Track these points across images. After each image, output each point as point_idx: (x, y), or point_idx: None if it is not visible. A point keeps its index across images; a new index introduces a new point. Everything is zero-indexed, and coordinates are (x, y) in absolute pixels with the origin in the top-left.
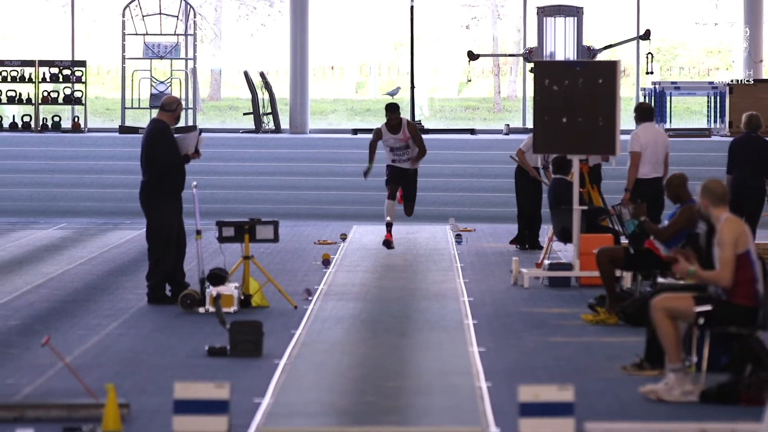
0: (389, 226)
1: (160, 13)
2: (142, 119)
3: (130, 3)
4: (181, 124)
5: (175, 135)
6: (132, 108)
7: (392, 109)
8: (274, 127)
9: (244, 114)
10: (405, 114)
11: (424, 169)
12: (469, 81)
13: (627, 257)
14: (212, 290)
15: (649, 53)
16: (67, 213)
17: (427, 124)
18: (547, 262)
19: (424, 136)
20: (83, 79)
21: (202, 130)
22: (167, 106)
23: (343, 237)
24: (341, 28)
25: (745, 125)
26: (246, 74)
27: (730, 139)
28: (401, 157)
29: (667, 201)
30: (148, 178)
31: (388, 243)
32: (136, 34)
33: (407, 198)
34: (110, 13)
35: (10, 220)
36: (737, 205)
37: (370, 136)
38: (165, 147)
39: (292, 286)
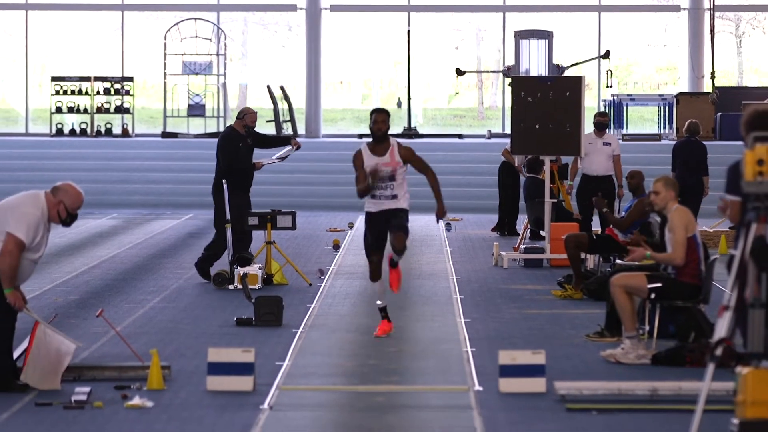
0: (383, 311)
1: (197, 37)
2: (181, 126)
3: (171, 27)
4: (213, 129)
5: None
6: (172, 116)
7: (379, 111)
8: (292, 133)
9: (267, 122)
10: (402, 122)
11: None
12: (457, 93)
13: (590, 242)
14: (240, 270)
15: (609, 70)
16: (117, 205)
17: (421, 130)
18: (522, 246)
19: (418, 141)
20: (131, 92)
21: (294, 147)
22: (238, 114)
23: (351, 225)
24: (348, 48)
25: (686, 131)
26: (268, 87)
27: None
28: (385, 192)
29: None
30: (215, 175)
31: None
32: (176, 54)
33: (396, 228)
34: (154, 36)
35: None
36: (680, 198)
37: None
38: (227, 151)
39: (307, 267)
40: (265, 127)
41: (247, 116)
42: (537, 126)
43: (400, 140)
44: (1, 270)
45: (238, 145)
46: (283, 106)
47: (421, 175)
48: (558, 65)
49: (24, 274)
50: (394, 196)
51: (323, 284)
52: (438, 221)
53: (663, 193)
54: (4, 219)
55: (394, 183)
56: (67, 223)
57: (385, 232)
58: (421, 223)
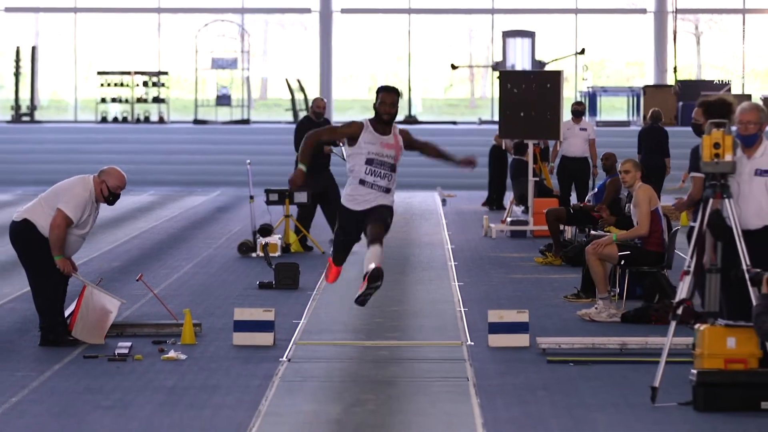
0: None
1: (224, 36)
2: (210, 114)
3: (202, 28)
4: (238, 116)
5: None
6: (202, 106)
7: (388, 90)
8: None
9: (285, 110)
10: (404, 110)
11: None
12: (451, 85)
13: (568, 216)
14: (262, 240)
15: (585, 65)
16: (154, 183)
17: (420, 118)
18: (509, 219)
19: (417, 127)
20: (166, 85)
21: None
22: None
23: None
24: (356, 46)
25: (650, 118)
26: (286, 80)
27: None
28: (378, 181)
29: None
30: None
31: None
32: (206, 51)
33: (377, 219)
34: (187, 35)
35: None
36: (644, 178)
37: None
38: (296, 137)
39: (320, 237)
40: (284, 115)
41: (313, 104)
42: (521, 114)
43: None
44: (51, 240)
45: (307, 131)
46: (299, 96)
47: (421, 161)
48: (540, 61)
49: (72, 248)
50: (387, 191)
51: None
52: (472, 167)
53: (632, 172)
54: (56, 198)
55: (393, 175)
56: (110, 202)
57: (360, 232)
58: (419, 199)
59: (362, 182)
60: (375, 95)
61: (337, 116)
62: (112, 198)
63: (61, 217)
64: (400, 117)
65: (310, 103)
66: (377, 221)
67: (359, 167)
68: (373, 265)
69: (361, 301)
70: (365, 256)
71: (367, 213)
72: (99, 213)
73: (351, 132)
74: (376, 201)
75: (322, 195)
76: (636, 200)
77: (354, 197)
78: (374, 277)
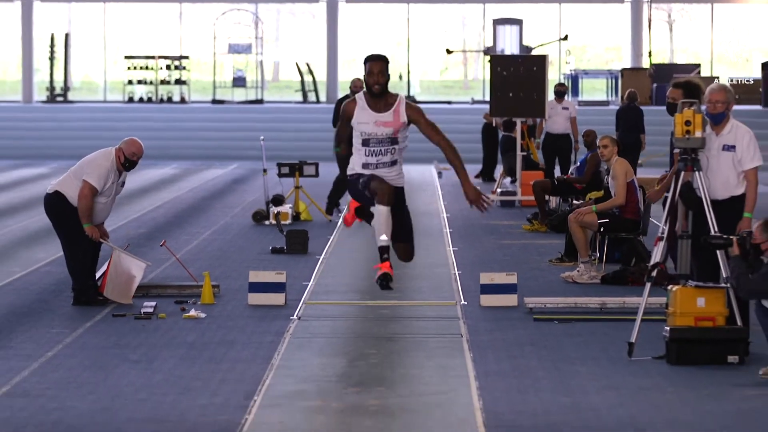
0: (384, 250)
1: (239, 23)
2: (227, 94)
3: (220, 16)
4: (252, 97)
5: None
6: (220, 87)
7: (374, 60)
8: (315, 99)
9: (295, 91)
10: (403, 91)
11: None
12: (447, 68)
13: (553, 187)
14: (274, 209)
15: (568, 50)
16: (176, 158)
17: (418, 98)
18: (499, 190)
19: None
20: (187, 68)
21: None
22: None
23: None
24: (360, 32)
25: (626, 98)
26: (297, 64)
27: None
28: (381, 159)
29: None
30: None
31: (385, 279)
32: (223, 37)
33: (402, 234)
34: (206, 23)
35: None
36: (621, 152)
37: None
38: (335, 113)
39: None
40: (294, 96)
41: (351, 84)
42: (510, 94)
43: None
44: (79, 209)
45: (338, 110)
46: (308, 78)
47: (420, 137)
48: (527, 46)
49: (100, 215)
50: (394, 163)
51: (340, 220)
52: (471, 206)
53: (610, 147)
54: (82, 170)
55: (396, 147)
56: (126, 168)
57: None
58: (417, 172)
59: (365, 165)
60: (363, 65)
61: (342, 94)
62: (128, 164)
63: (87, 188)
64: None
65: (318, 85)
66: (406, 241)
67: (359, 148)
68: (384, 238)
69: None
70: (373, 221)
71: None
72: (125, 184)
73: (348, 115)
74: (385, 174)
75: None
76: (614, 173)
77: (362, 168)
78: (384, 283)
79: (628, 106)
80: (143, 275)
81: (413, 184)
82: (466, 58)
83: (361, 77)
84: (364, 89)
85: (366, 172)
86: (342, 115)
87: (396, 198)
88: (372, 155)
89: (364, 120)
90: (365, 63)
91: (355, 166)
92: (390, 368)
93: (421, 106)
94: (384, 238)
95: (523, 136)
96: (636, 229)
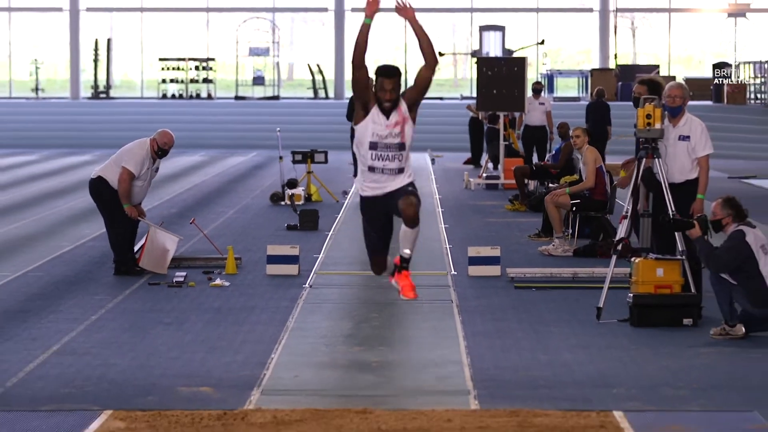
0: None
1: (258, 30)
2: (248, 92)
3: (242, 23)
4: (270, 93)
5: None
6: (242, 85)
7: (387, 75)
8: (325, 96)
9: (307, 89)
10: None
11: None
12: (439, 69)
13: (531, 172)
14: (289, 191)
15: (544, 53)
16: (204, 146)
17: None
18: (484, 174)
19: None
20: (213, 68)
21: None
22: None
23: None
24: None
25: (595, 94)
26: (308, 65)
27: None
28: (390, 164)
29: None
30: None
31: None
32: (245, 42)
33: (404, 193)
34: (230, 29)
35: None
36: (591, 141)
37: None
38: (350, 109)
39: (335, 189)
40: (306, 93)
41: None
42: (494, 91)
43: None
44: (119, 192)
45: (352, 104)
46: (318, 78)
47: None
48: (508, 49)
49: (137, 196)
50: (401, 171)
51: (346, 201)
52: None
53: (581, 137)
54: (121, 158)
55: (404, 153)
56: (159, 155)
57: (390, 217)
58: (412, 159)
59: (372, 169)
60: (374, 77)
61: (348, 92)
62: (161, 153)
63: (126, 173)
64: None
65: (327, 84)
66: (406, 194)
67: (365, 152)
68: (407, 251)
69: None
70: (400, 236)
71: (388, 196)
72: (159, 170)
73: (368, 99)
74: (392, 185)
75: None
76: (584, 159)
77: (368, 186)
78: (411, 222)
79: (596, 102)
80: (176, 248)
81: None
82: (455, 60)
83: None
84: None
85: (372, 192)
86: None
87: (406, 189)
88: (379, 159)
89: (378, 121)
90: (377, 77)
91: (361, 183)
92: (389, 330)
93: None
94: (407, 252)
95: (506, 127)
96: (603, 209)
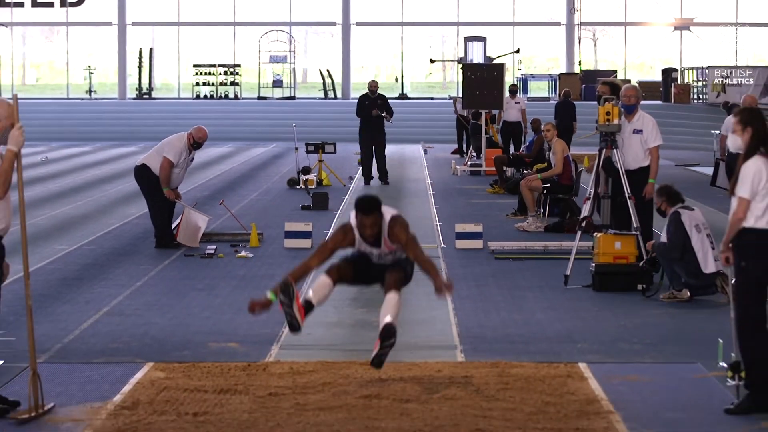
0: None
1: (277, 41)
2: (268, 93)
3: (263, 35)
4: (288, 94)
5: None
6: (263, 87)
7: (366, 212)
8: (333, 96)
9: (318, 90)
10: (398, 90)
11: (407, 115)
12: (430, 73)
13: (509, 161)
14: (303, 177)
15: (519, 60)
16: (230, 139)
17: (410, 95)
18: (468, 162)
19: (407, 102)
20: (239, 73)
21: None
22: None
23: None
24: (366, 46)
25: (563, 95)
26: (320, 70)
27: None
28: (382, 260)
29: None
30: None
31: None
32: (266, 50)
33: (394, 266)
34: (253, 40)
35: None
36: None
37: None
38: (359, 106)
39: (343, 175)
40: (318, 94)
41: (369, 84)
42: (477, 92)
43: (390, 211)
44: (160, 177)
45: (364, 103)
46: (328, 81)
47: (410, 125)
48: (489, 57)
49: (175, 181)
50: (395, 257)
51: (352, 185)
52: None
53: (551, 131)
54: (162, 149)
55: (396, 252)
56: (194, 148)
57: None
58: (408, 150)
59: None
60: (354, 211)
61: (354, 93)
62: (196, 145)
63: (166, 162)
64: (395, 94)
65: (335, 86)
66: (394, 267)
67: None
68: (388, 319)
69: (378, 362)
70: (382, 306)
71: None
72: (194, 159)
73: (346, 244)
74: (384, 261)
75: (375, 143)
76: (553, 150)
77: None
78: (386, 336)
79: (563, 101)
80: (207, 226)
81: (405, 159)
82: (444, 66)
83: (375, 80)
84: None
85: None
86: (331, 242)
87: (400, 262)
88: (371, 255)
89: (364, 248)
90: (357, 213)
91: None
92: None
93: (412, 102)
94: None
95: (487, 123)
96: (570, 192)
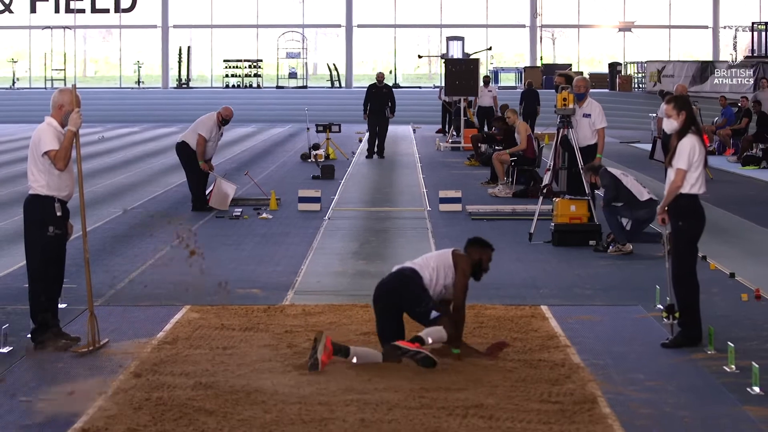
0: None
1: (293, 40)
2: (285, 83)
3: (281, 35)
4: (302, 84)
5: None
6: (281, 78)
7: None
8: (339, 86)
9: (326, 81)
10: (392, 80)
11: (399, 101)
12: (418, 66)
13: (483, 138)
14: (314, 152)
15: (492, 55)
16: (254, 121)
17: (401, 84)
18: (450, 140)
19: (399, 90)
20: (261, 66)
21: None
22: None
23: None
24: (366, 44)
25: (526, 85)
26: (327, 64)
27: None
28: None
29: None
30: None
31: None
32: (283, 48)
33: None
34: (272, 39)
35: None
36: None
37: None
38: (367, 96)
39: (346, 150)
40: (326, 84)
41: (377, 75)
42: (457, 82)
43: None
44: (197, 152)
45: (372, 91)
46: (334, 73)
47: (403, 110)
48: (467, 53)
49: (209, 153)
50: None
51: (354, 158)
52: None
53: (512, 116)
54: (197, 127)
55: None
56: (223, 124)
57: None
58: (400, 130)
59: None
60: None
61: (355, 83)
62: (224, 122)
63: (200, 138)
64: (389, 83)
65: (341, 77)
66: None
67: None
68: (430, 340)
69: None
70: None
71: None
72: (224, 135)
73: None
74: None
75: (380, 126)
76: (518, 129)
77: None
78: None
79: (528, 90)
80: (234, 192)
81: (398, 137)
82: (430, 60)
83: (383, 72)
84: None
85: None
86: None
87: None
88: None
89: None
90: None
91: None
92: (384, 248)
93: (403, 90)
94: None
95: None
96: (533, 164)
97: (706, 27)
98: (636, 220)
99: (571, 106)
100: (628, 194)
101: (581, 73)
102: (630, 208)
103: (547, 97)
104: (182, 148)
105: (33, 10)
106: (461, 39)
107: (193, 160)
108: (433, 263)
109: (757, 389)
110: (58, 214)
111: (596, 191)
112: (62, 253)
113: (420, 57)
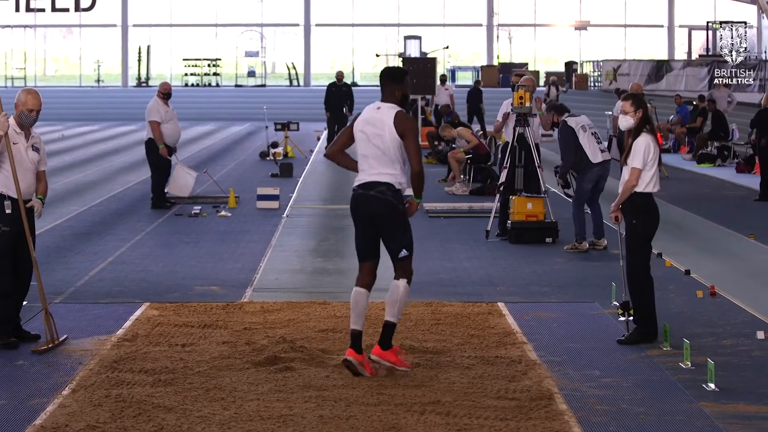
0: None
1: (251, 39)
2: (243, 81)
3: (240, 34)
4: (260, 83)
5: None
6: (240, 77)
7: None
8: (297, 84)
9: (285, 79)
10: (351, 79)
11: (357, 99)
12: (376, 65)
13: (437, 137)
14: (272, 150)
15: (449, 54)
16: (212, 119)
17: (360, 83)
18: None
19: (357, 89)
20: (219, 65)
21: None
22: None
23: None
24: (324, 44)
25: (474, 84)
26: (286, 63)
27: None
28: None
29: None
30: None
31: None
32: (242, 46)
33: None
34: (231, 38)
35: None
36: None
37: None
38: (328, 95)
39: (304, 148)
40: (284, 82)
41: (336, 74)
42: (415, 81)
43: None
44: (155, 137)
45: (331, 89)
46: (293, 72)
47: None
48: (424, 52)
49: (172, 136)
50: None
51: (312, 156)
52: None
53: (447, 132)
54: (147, 116)
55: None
56: (167, 98)
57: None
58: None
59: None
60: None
61: (313, 81)
62: (166, 96)
63: (155, 123)
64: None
65: (299, 76)
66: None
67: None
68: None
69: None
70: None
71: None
72: (176, 112)
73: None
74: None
75: (339, 122)
76: (460, 137)
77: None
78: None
79: (474, 89)
80: (194, 181)
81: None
82: (387, 59)
83: (342, 70)
84: None
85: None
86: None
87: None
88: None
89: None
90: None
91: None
92: (342, 246)
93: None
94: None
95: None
96: (488, 160)
97: (662, 26)
98: (581, 190)
99: (527, 104)
100: (582, 155)
101: (537, 72)
102: (578, 168)
103: (503, 95)
104: (149, 145)
105: None
106: (419, 38)
107: (159, 156)
108: (392, 154)
109: (712, 386)
110: (7, 211)
111: (566, 190)
112: (22, 250)
113: (378, 56)
